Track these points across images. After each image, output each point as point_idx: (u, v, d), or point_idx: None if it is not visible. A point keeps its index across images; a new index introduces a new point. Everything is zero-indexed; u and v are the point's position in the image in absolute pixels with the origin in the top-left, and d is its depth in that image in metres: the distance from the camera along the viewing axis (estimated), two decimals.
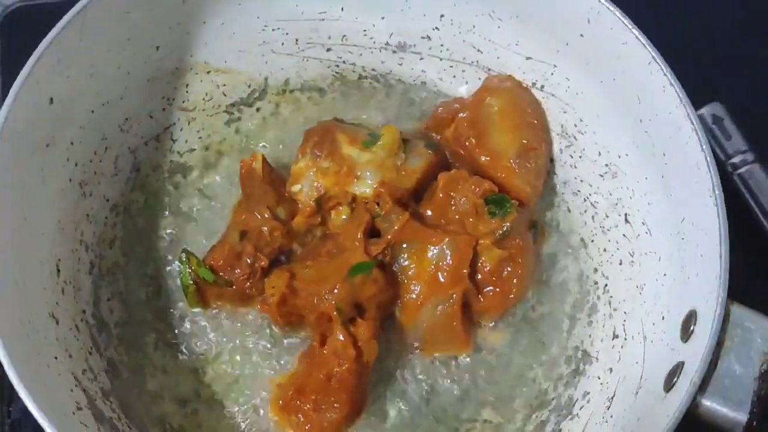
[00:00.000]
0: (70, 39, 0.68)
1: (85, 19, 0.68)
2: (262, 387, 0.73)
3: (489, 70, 0.82)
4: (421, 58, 0.84)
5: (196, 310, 0.76)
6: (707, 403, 0.60)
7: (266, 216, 0.74)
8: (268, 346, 0.75)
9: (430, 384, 0.74)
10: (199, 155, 0.83)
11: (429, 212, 0.76)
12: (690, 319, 0.63)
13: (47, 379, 0.62)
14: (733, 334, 0.61)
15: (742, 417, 0.59)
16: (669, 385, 0.62)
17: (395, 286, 0.73)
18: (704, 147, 0.65)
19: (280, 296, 0.70)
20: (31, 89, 0.65)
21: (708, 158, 0.64)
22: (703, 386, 0.59)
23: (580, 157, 0.80)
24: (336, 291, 0.69)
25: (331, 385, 0.68)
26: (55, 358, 0.65)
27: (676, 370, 0.62)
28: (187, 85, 0.81)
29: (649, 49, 0.69)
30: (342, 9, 0.82)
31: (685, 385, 0.59)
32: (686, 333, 0.63)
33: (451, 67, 0.84)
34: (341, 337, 0.67)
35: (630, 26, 0.70)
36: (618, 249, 0.76)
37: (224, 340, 0.75)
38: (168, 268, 0.78)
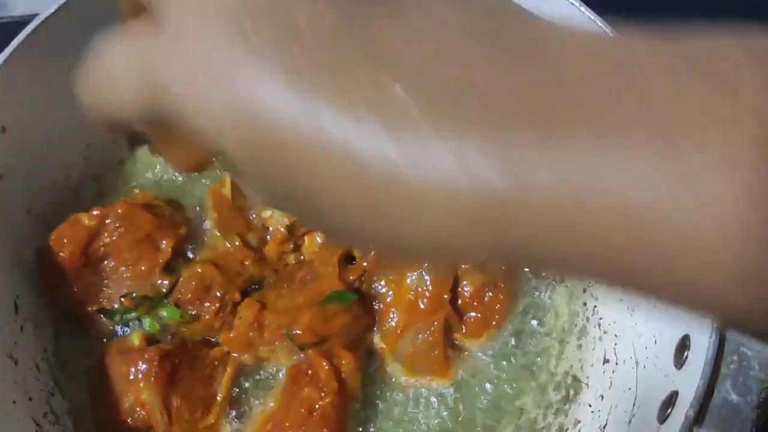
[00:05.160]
0: (24, 61, 0.63)
1: (40, 39, 0.64)
2: None
3: None
4: None
5: None
6: None
7: (237, 244, 0.70)
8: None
9: (413, 414, 0.70)
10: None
11: None
12: (683, 344, 0.60)
13: (5, 425, 0.59)
14: (729, 361, 0.57)
15: None
16: (663, 416, 0.58)
17: (370, 314, 0.69)
18: None
19: (244, 331, 0.66)
20: None
21: None
22: (698, 418, 0.55)
23: None
24: (305, 319, 0.65)
25: (312, 418, 0.64)
26: (14, 402, 0.61)
27: (670, 400, 0.58)
28: None
29: None
30: None
31: (680, 417, 0.55)
32: (680, 359, 0.60)
33: None
34: (325, 367, 0.64)
35: None
36: None
37: None
38: None
